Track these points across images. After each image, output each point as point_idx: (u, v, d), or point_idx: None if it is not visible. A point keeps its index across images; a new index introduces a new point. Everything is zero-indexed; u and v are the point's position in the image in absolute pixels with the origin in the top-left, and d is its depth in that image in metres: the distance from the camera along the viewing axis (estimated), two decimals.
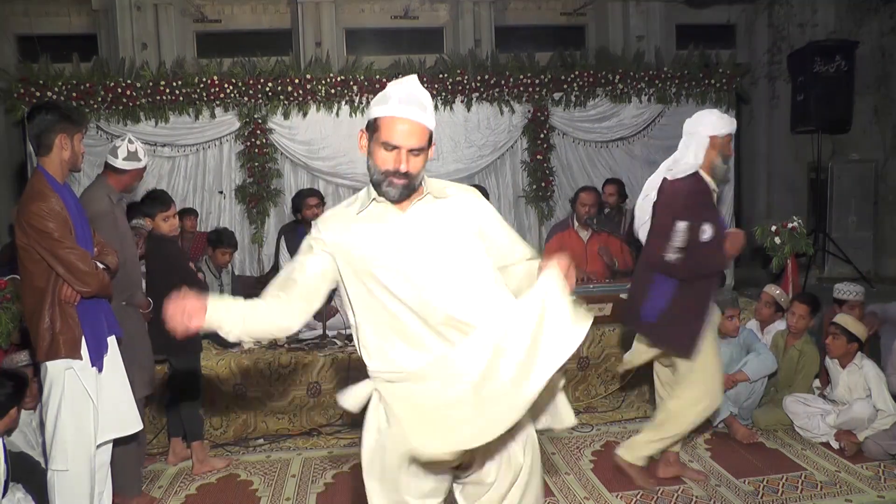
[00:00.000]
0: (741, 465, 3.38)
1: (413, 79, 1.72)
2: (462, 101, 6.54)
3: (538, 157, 6.68)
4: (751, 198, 7.68)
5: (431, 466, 1.68)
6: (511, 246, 1.81)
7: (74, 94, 5.93)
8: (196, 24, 6.99)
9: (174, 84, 6.04)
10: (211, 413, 3.81)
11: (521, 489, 1.75)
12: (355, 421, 3.88)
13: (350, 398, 1.71)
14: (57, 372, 2.50)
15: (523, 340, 1.55)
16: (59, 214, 2.45)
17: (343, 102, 6.33)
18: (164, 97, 6.05)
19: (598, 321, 4.13)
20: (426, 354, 1.63)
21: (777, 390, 3.94)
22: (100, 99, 5.99)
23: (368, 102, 6.29)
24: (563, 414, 1.78)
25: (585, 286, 4.21)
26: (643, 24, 7.26)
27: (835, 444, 3.55)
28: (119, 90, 6.00)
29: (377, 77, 6.31)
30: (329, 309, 4.23)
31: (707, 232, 2.74)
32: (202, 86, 6.08)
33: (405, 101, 1.65)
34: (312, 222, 1.77)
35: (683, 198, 2.82)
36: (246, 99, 6.19)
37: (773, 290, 4.23)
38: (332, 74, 6.26)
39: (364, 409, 1.74)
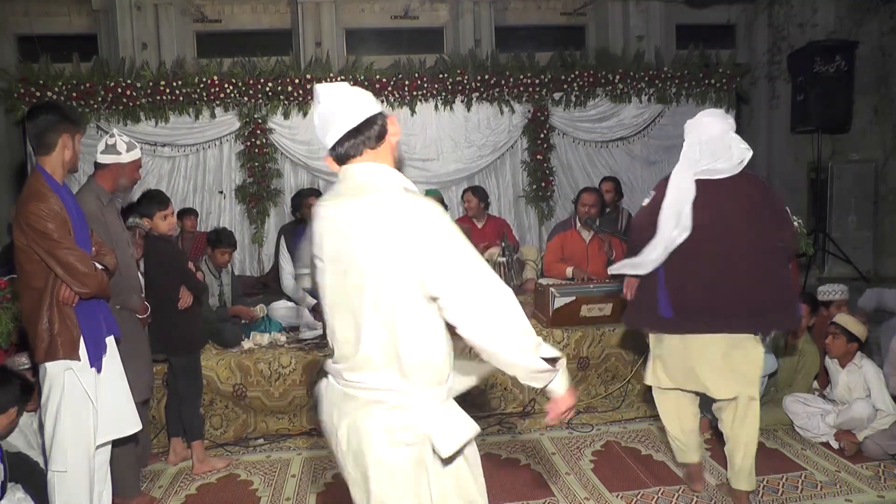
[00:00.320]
0: None
1: (318, 91, 1.67)
2: (462, 101, 6.55)
3: (538, 157, 6.68)
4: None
5: None
6: None
7: (74, 94, 5.94)
8: (196, 24, 7.00)
9: (174, 84, 6.05)
10: (211, 413, 3.81)
11: None
12: None
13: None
14: (56, 373, 2.49)
15: None
16: (59, 215, 2.45)
17: None
18: (164, 97, 6.05)
19: (598, 321, 4.14)
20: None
21: (777, 390, 3.95)
22: (100, 99, 6.00)
23: None
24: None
25: (585, 286, 4.21)
26: (643, 24, 7.26)
27: (835, 444, 3.55)
28: (119, 90, 6.00)
29: (377, 77, 6.31)
30: None
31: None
32: (202, 86, 6.09)
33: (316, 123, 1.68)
34: None
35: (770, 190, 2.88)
36: (246, 99, 6.20)
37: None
38: (332, 74, 6.27)
39: None
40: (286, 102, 6.23)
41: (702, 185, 2.74)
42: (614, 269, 3.02)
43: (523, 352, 1.55)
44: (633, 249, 2.91)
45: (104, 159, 3.00)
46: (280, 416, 3.91)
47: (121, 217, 3.15)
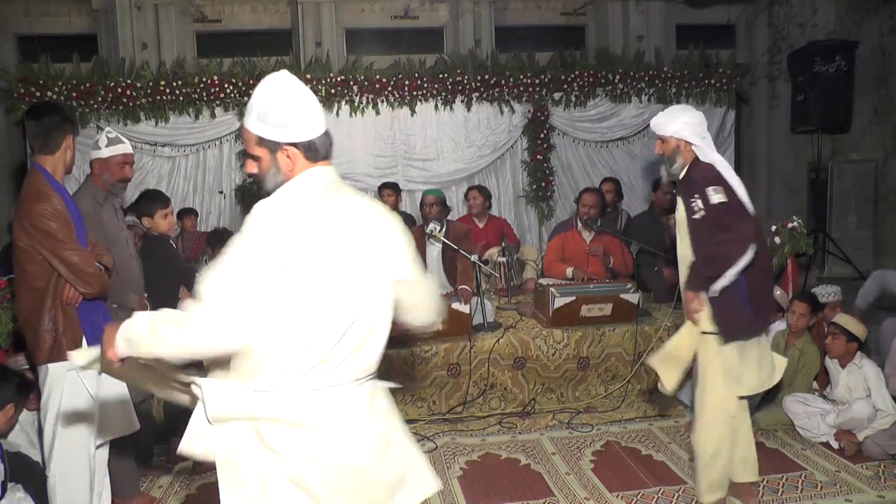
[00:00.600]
0: None
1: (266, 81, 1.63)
2: (462, 101, 6.55)
3: (538, 157, 6.69)
4: (751, 198, 7.65)
5: None
6: None
7: (74, 94, 5.94)
8: (196, 24, 7.00)
9: (174, 84, 6.05)
10: None
11: None
12: None
13: None
14: (59, 374, 2.48)
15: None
16: (63, 215, 2.44)
17: (343, 102, 6.34)
18: (164, 97, 6.06)
19: (598, 321, 4.14)
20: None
21: (777, 390, 3.94)
22: (100, 99, 6.00)
23: (369, 102, 6.38)
24: (423, 482, 1.69)
25: (585, 286, 4.21)
26: (643, 24, 7.26)
27: (835, 444, 3.55)
28: (119, 90, 6.00)
29: (377, 77, 6.31)
30: None
31: None
32: (202, 86, 6.09)
33: (248, 111, 1.66)
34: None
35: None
36: (246, 99, 6.19)
37: (774, 291, 4.24)
38: (332, 74, 6.27)
39: None
40: None
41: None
42: (727, 282, 2.66)
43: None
44: (726, 255, 2.66)
45: (91, 155, 2.94)
46: None
47: (120, 215, 3.10)
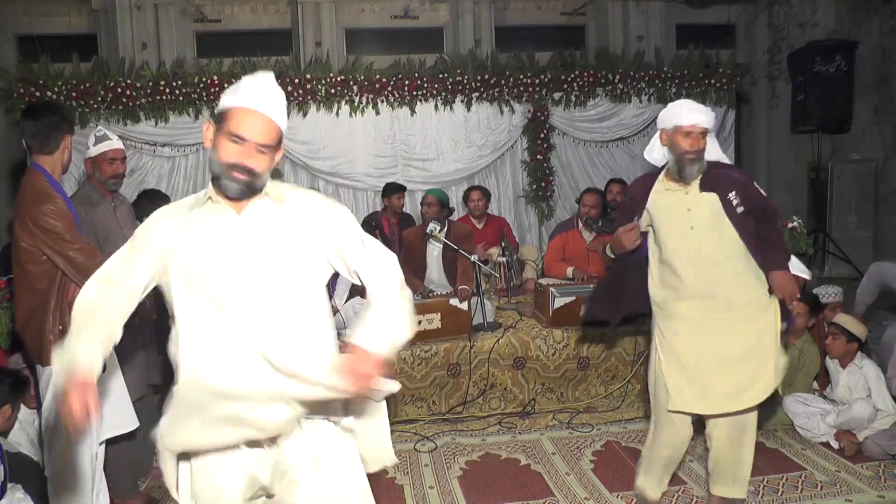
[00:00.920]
0: None
1: (269, 76, 1.60)
2: (462, 101, 6.55)
3: (538, 156, 6.68)
4: None
5: None
6: (365, 265, 1.66)
7: (74, 94, 5.93)
8: (196, 24, 7.00)
9: (174, 84, 6.05)
10: None
11: None
12: None
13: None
14: None
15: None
16: (67, 214, 2.43)
17: (343, 102, 6.34)
18: (164, 97, 6.05)
19: (598, 320, 4.13)
20: (242, 379, 1.51)
21: (777, 390, 3.94)
22: (100, 99, 6.00)
23: (369, 102, 6.38)
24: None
25: (585, 286, 4.21)
26: (643, 24, 7.26)
27: (835, 444, 3.55)
28: (119, 90, 6.00)
29: (377, 77, 6.31)
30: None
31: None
32: (202, 86, 6.09)
33: (260, 95, 1.54)
34: (150, 215, 1.66)
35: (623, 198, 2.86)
36: None
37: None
38: (332, 74, 6.27)
39: None
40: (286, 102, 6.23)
41: None
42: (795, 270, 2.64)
43: None
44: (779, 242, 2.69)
45: (107, 146, 2.93)
46: None
47: (121, 212, 3.07)
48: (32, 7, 6.73)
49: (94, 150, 2.89)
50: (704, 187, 2.62)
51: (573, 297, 4.07)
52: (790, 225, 4.69)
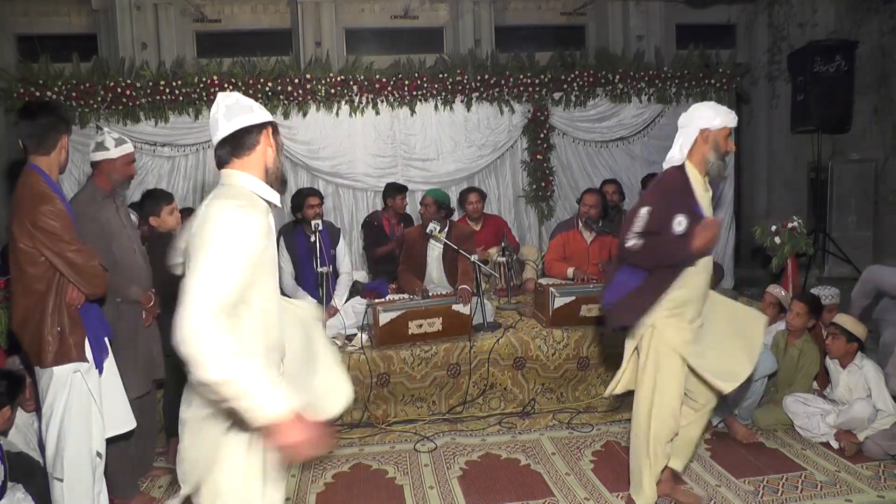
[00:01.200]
0: (741, 464, 3.38)
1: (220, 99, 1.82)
2: (462, 101, 6.54)
3: (538, 157, 6.68)
4: (751, 198, 7.69)
5: None
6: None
7: (74, 94, 5.93)
8: (196, 24, 6.99)
9: (174, 84, 6.04)
10: None
11: None
12: (355, 422, 3.89)
13: None
14: (64, 376, 2.45)
15: None
16: (66, 216, 2.42)
17: (343, 102, 6.33)
18: (164, 97, 6.05)
19: (598, 321, 4.13)
20: None
21: (777, 390, 3.94)
22: (100, 99, 5.99)
23: (368, 102, 6.38)
24: None
25: (585, 286, 4.21)
26: (643, 23, 7.26)
27: (835, 444, 3.55)
28: (119, 90, 6.00)
29: (377, 77, 6.31)
30: (329, 309, 4.23)
31: (682, 224, 2.64)
32: (202, 86, 6.08)
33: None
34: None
35: (656, 185, 2.78)
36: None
37: (775, 291, 4.24)
38: (331, 74, 6.26)
39: None
40: (286, 102, 6.22)
41: None
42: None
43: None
44: None
45: (95, 157, 2.97)
46: None
47: (123, 212, 3.10)
48: (32, 7, 6.73)
49: (116, 152, 2.95)
50: (711, 184, 2.79)
51: (573, 297, 4.07)
52: (790, 225, 4.68)
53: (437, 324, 3.96)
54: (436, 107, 6.53)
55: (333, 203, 6.46)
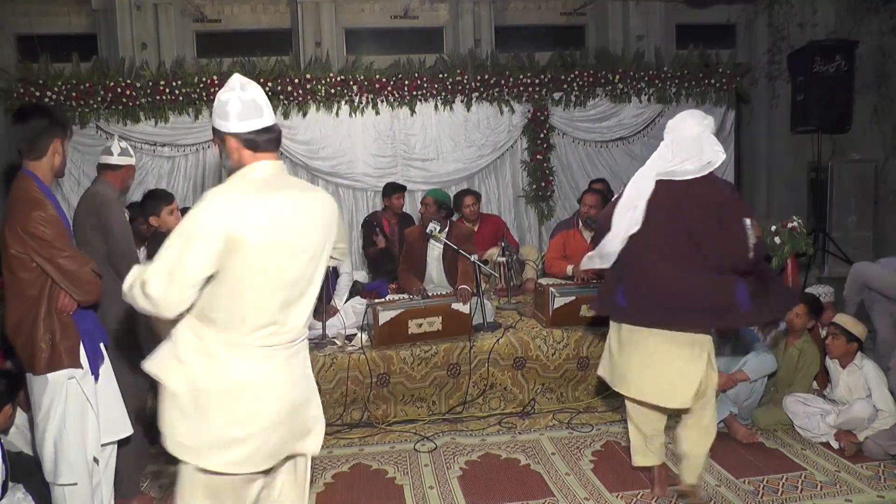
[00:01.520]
0: (741, 464, 3.38)
1: (234, 81, 1.83)
2: (462, 101, 6.55)
3: (538, 156, 6.69)
4: (751, 198, 7.69)
5: None
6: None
7: (74, 94, 5.94)
8: (196, 24, 7.00)
9: (174, 84, 6.05)
10: None
11: None
12: (355, 422, 3.89)
13: None
14: (59, 383, 2.43)
15: None
16: (59, 222, 2.38)
17: (343, 102, 6.34)
18: (164, 97, 6.06)
19: (598, 321, 4.13)
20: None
21: (777, 390, 3.94)
22: (99, 99, 6.00)
23: (368, 102, 6.38)
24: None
25: (585, 286, 4.21)
26: (643, 23, 7.26)
27: (835, 444, 3.55)
28: (119, 90, 6.00)
29: (377, 77, 6.31)
30: (329, 309, 4.23)
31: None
32: (202, 86, 6.09)
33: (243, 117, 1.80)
34: None
35: (736, 195, 2.83)
36: None
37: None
38: (331, 74, 6.27)
39: None
40: (286, 102, 6.23)
41: (662, 184, 2.74)
42: (583, 264, 3.06)
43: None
44: (595, 242, 2.98)
45: (121, 161, 3.10)
46: None
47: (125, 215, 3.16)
48: (32, 7, 6.73)
49: (133, 160, 3.20)
50: None
51: (573, 297, 4.07)
52: (790, 225, 4.68)
53: (436, 323, 3.96)
54: (436, 107, 6.54)
55: None
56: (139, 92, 6.03)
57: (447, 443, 3.69)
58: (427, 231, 4.40)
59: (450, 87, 6.46)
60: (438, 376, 3.97)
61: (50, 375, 2.42)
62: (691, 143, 2.71)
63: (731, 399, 3.73)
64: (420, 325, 3.93)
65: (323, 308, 4.06)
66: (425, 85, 6.41)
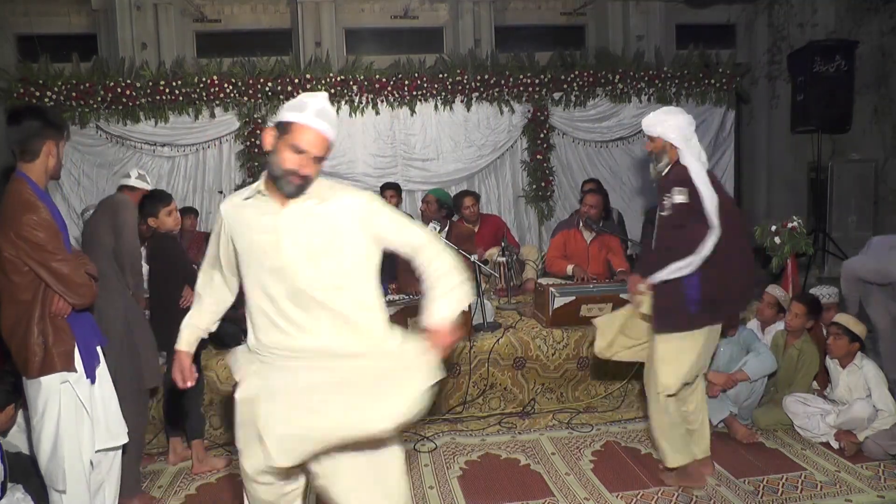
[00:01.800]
0: (741, 464, 3.38)
1: (325, 97, 1.91)
2: (462, 101, 6.55)
3: (538, 156, 6.69)
4: (751, 198, 7.69)
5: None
6: (408, 238, 1.92)
7: (74, 94, 5.94)
8: (196, 24, 7.00)
9: (174, 84, 6.05)
10: (211, 413, 3.81)
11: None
12: None
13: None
14: (52, 387, 2.42)
15: (367, 386, 1.85)
16: (52, 225, 2.35)
17: (343, 102, 6.34)
18: (164, 97, 6.06)
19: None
20: (283, 344, 1.86)
21: (777, 390, 3.94)
22: (99, 99, 6.00)
23: (368, 102, 6.38)
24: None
25: (585, 286, 4.21)
26: (643, 23, 7.26)
27: (835, 444, 3.55)
28: (119, 90, 6.00)
29: (377, 77, 6.31)
30: None
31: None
32: (202, 86, 6.09)
33: (320, 116, 1.83)
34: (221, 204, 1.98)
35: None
36: (246, 99, 6.20)
37: (775, 291, 4.24)
38: (331, 74, 6.27)
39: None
40: (286, 102, 6.22)
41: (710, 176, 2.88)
42: (666, 276, 2.82)
43: None
44: (675, 250, 2.82)
45: (136, 184, 3.60)
46: None
47: None
48: (32, 7, 6.73)
49: (138, 183, 3.63)
50: (658, 188, 3.06)
51: (573, 297, 4.07)
52: (790, 225, 4.69)
53: None
54: (436, 107, 6.54)
55: None
56: (139, 92, 6.04)
57: (447, 443, 3.69)
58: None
59: (450, 87, 6.46)
60: None
61: (43, 379, 2.40)
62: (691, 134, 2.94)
63: (731, 399, 3.73)
64: (419, 324, 3.93)
65: None
66: (425, 85, 6.42)
